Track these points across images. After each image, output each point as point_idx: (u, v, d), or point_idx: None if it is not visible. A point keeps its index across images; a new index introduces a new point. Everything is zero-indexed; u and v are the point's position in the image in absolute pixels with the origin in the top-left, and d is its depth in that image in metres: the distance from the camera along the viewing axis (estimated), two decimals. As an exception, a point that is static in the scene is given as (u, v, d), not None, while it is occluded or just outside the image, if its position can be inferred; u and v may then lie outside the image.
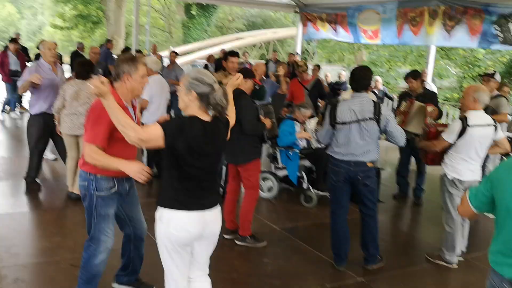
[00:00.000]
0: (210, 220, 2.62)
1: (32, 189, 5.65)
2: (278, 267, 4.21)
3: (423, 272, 4.31)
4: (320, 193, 5.96)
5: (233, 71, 5.22)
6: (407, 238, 5.35)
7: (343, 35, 12.38)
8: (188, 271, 2.72)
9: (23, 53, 10.07)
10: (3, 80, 9.76)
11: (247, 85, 4.45)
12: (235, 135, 4.37)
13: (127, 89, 2.96)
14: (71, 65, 10.72)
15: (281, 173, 6.09)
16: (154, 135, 2.41)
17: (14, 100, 10.24)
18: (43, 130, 5.42)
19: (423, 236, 5.31)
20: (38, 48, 10.38)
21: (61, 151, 5.58)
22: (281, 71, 7.10)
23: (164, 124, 2.44)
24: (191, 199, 2.55)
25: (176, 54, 10.27)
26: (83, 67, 5.20)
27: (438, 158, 4.38)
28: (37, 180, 5.71)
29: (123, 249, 3.44)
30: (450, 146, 4.19)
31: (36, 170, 5.64)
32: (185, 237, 2.55)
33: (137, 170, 2.72)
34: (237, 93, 4.34)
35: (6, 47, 9.83)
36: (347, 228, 4.17)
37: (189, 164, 2.50)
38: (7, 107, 10.29)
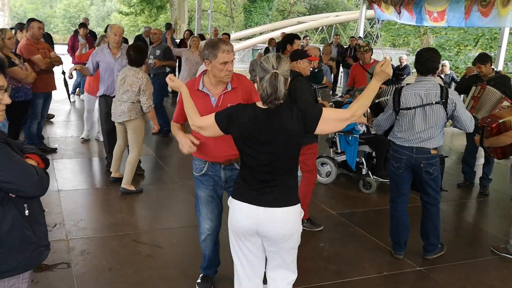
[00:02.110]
0: (265, 219, 2.43)
1: (100, 167, 5.94)
2: (335, 252, 4.17)
3: (487, 264, 4.11)
4: (380, 179, 5.82)
5: None
6: (471, 229, 5.12)
7: (406, 17, 11.94)
8: (258, 267, 2.64)
9: (91, 38, 10.45)
10: (73, 63, 10.19)
11: (301, 66, 4.38)
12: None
13: (211, 74, 2.92)
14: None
15: (340, 158, 6.01)
16: (207, 123, 2.53)
17: (83, 83, 10.70)
18: (105, 111, 5.52)
19: (488, 228, 5.06)
20: (105, 31, 10.84)
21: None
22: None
23: (217, 113, 2.52)
24: (246, 190, 2.48)
25: (229, 36, 10.26)
26: (138, 54, 5.03)
27: (508, 149, 4.13)
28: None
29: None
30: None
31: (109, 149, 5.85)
32: (238, 227, 2.51)
33: (181, 142, 2.89)
34: (293, 75, 4.30)
35: (76, 32, 10.25)
36: (407, 216, 4.04)
37: (243, 151, 2.49)
38: (77, 90, 10.78)
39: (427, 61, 3.76)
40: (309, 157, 4.50)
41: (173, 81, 2.74)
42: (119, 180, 5.28)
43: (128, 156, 5.21)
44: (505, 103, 5.18)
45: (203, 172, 3.10)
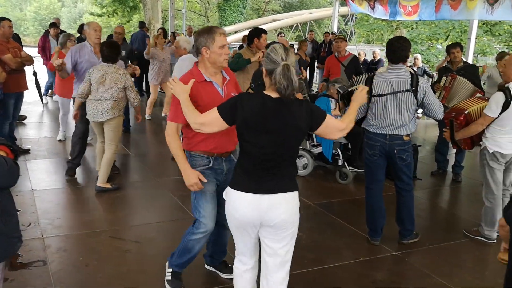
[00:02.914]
0: (270, 206, 2.42)
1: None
2: (313, 241, 4.21)
3: (460, 247, 4.21)
4: (356, 170, 5.90)
5: (263, 48, 5.21)
6: (445, 214, 5.24)
7: (380, 12, 12.09)
8: (256, 254, 2.68)
9: (63, 38, 10.27)
10: (44, 64, 10.03)
11: None
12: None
13: (209, 62, 2.86)
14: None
15: (316, 150, 6.06)
16: (211, 118, 2.48)
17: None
18: (82, 112, 5.23)
19: (461, 213, 5.18)
20: (78, 31, 10.66)
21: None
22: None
23: (219, 106, 2.49)
24: (248, 180, 2.45)
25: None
26: (112, 50, 4.96)
27: (476, 138, 4.24)
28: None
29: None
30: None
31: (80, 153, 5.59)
32: (238, 218, 2.49)
33: (190, 182, 2.84)
34: None
35: (46, 32, 10.08)
36: (383, 202, 4.11)
37: (247, 140, 2.44)
38: (50, 91, 10.60)
39: (398, 50, 3.84)
40: None
41: (176, 86, 2.68)
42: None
43: (104, 155, 5.13)
44: (478, 95, 5.30)
45: (209, 165, 2.98)
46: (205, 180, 2.88)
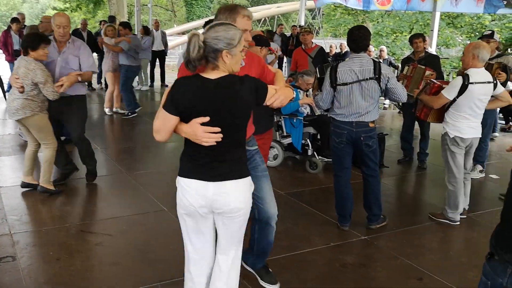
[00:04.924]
0: (219, 194, 2.34)
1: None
2: (285, 229, 4.27)
3: (426, 230, 4.36)
4: (325, 159, 6.00)
5: None
6: (411, 200, 5.40)
7: (352, 2, 12.19)
8: (208, 244, 2.56)
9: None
10: (6, 60, 9.78)
11: (262, 54, 4.41)
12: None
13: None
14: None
15: (286, 141, 6.13)
16: (161, 119, 2.29)
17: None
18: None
19: (427, 198, 5.35)
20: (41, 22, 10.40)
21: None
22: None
23: (164, 103, 2.31)
24: (193, 166, 2.35)
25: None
26: (30, 42, 4.41)
27: (436, 114, 4.41)
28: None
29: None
30: (449, 103, 4.20)
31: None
32: (186, 205, 2.39)
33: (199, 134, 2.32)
34: None
35: (8, 27, 9.82)
36: (350, 189, 4.21)
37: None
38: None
39: (359, 39, 3.92)
40: (267, 142, 4.56)
41: None
42: (31, 185, 4.81)
43: (43, 153, 4.75)
44: (427, 72, 5.52)
45: None
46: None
